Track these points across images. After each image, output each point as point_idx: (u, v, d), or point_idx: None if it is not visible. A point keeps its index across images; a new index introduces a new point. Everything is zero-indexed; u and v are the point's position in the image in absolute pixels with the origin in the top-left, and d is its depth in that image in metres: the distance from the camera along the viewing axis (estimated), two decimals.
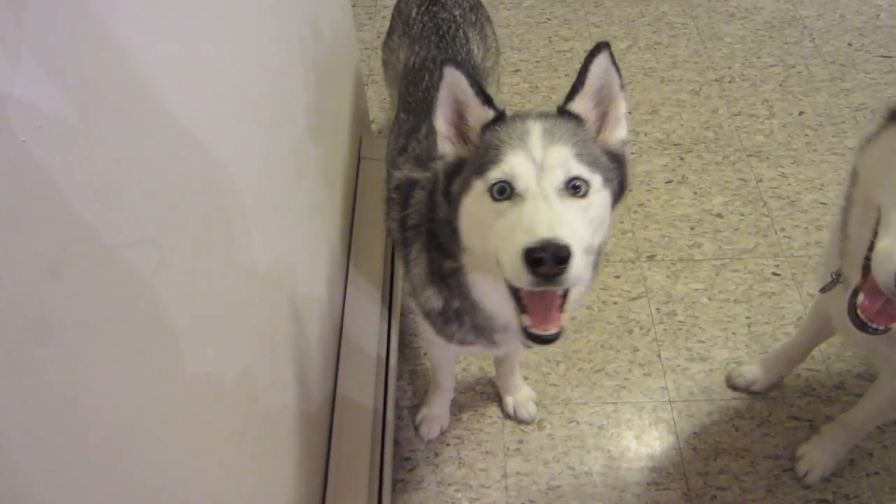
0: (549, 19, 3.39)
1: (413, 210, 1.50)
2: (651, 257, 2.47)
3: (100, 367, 0.73)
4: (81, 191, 0.68)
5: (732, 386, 2.15)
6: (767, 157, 2.75)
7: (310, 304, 1.66)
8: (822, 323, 1.86)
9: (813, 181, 2.67)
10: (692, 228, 2.55)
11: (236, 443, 1.17)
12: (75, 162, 0.67)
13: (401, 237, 1.58)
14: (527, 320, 1.18)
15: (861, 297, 1.25)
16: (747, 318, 2.31)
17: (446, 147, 1.30)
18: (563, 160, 1.14)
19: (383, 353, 2.00)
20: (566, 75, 3.07)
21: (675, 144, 2.83)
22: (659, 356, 2.23)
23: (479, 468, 2.03)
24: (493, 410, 2.14)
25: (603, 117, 1.28)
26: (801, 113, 2.91)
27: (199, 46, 1.00)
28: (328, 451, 1.78)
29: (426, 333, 1.62)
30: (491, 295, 1.31)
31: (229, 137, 1.11)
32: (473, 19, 2.08)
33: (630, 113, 2.94)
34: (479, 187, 1.18)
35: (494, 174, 1.15)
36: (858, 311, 1.25)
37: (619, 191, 1.26)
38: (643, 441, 2.06)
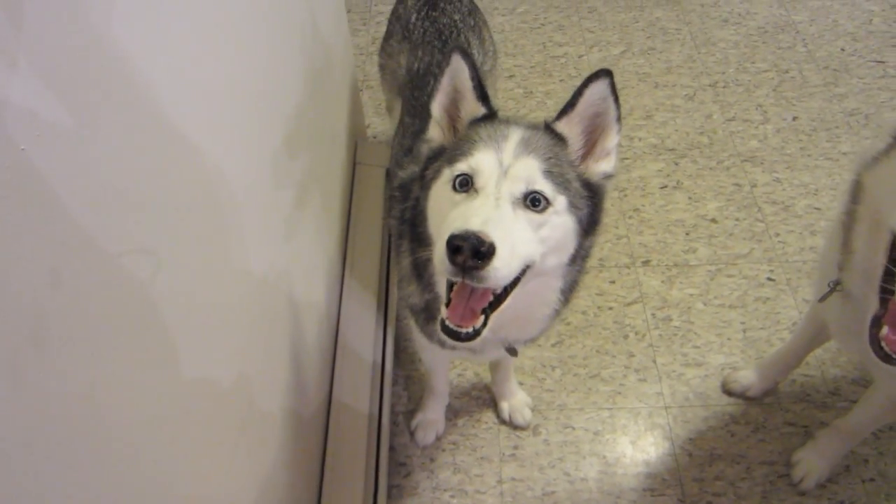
0: (544, 25, 3.40)
1: (411, 203, 1.50)
2: (646, 262, 2.48)
3: (98, 374, 0.73)
4: (80, 199, 0.67)
5: (728, 391, 2.15)
6: (762, 163, 2.76)
7: (305, 310, 1.65)
8: (817, 329, 1.87)
9: (807, 186, 2.67)
10: (687, 234, 2.56)
11: (232, 447, 1.16)
12: (73, 170, 0.67)
13: (398, 230, 1.59)
14: (445, 312, 1.17)
15: (885, 330, 1.23)
16: (742, 323, 2.31)
17: (435, 132, 1.34)
18: (529, 173, 1.15)
19: (379, 359, 1.99)
20: (560, 80, 3.08)
21: (670, 149, 2.83)
22: (654, 361, 2.23)
23: (474, 474, 2.02)
24: (489, 416, 2.14)
25: (591, 145, 1.27)
26: (794, 118, 2.92)
27: (196, 54, 1.00)
28: (324, 456, 1.78)
29: (414, 333, 1.62)
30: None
31: (225, 144, 1.11)
32: (472, 24, 2.10)
33: (624, 118, 2.93)
34: (446, 175, 1.20)
35: (461, 166, 1.17)
36: (883, 344, 1.23)
37: (590, 223, 1.25)
38: (639, 447, 2.06)
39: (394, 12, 2.21)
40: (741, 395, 2.13)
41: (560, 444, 2.07)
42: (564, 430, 2.10)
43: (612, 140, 1.26)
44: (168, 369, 0.90)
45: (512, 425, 2.10)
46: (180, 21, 0.94)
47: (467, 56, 1.26)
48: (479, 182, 1.15)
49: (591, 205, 1.23)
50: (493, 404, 2.14)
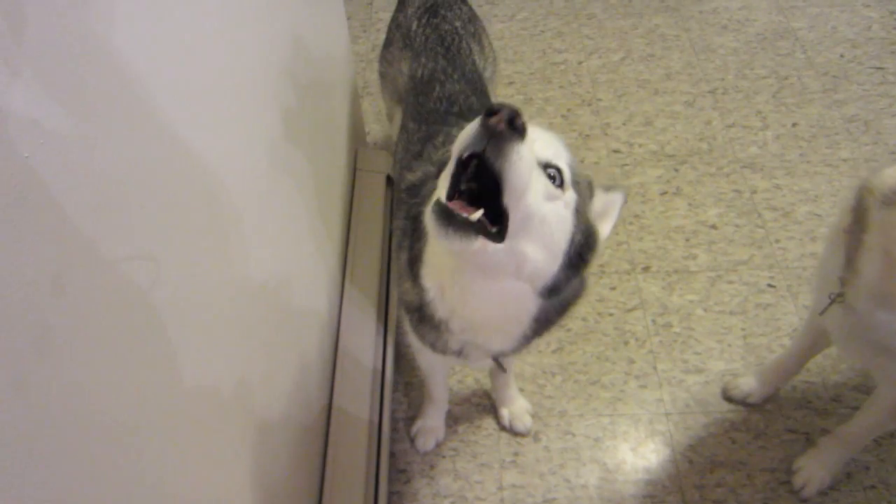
0: (543, 31, 3.41)
1: (417, 201, 1.50)
2: (646, 269, 2.48)
3: (99, 380, 0.73)
4: (82, 206, 0.68)
5: (728, 398, 2.15)
6: (761, 169, 2.77)
7: (306, 316, 1.65)
8: (817, 335, 1.87)
9: (807, 192, 2.68)
10: (687, 240, 2.56)
11: (233, 454, 1.16)
12: (76, 177, 0.67)
13: (401, 228, 1.58)
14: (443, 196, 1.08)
15: None
16: (743, 329, 2.31)
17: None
18: (556, 148, 1.13)
19: (379, 365, 1.99)
20: (560, 87, 3.08)
21: (670, 156, 2.83)
22: (655, 368, 2.23)
23: (474, 480, 2.02)
24: (489, 422, 2.13)
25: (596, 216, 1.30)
26: (794, 124, 2.92)
27: (197, 62, 1.01)
28: (324, 463, 1.77)
29: (409, 336, 1.61)
30: (435, 278, 1.27)
31: (226, 152, 1.11)
32: (472, 30, 2.10)
33: (624, 124, 2.95)
34: None
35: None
36: None
37: (578, 253, 1.18)
38: (639, 453, 2.06)
39: (393, 20, 2.22)
40: (742, 402, 2.13)
41: (560, 450, 2.07)
42: (565, 437, 2.09)
43: (606, 231, 1.29)
44: (169, 376, 0.90)
45: (512, 432, 2.10)
46: (181, 30, 0.95)
47: None
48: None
49: (585, 237, 1.20)
50: (494, 411, 2.14)
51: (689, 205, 2.67)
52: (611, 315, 2.36)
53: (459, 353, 1.45)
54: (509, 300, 1.21)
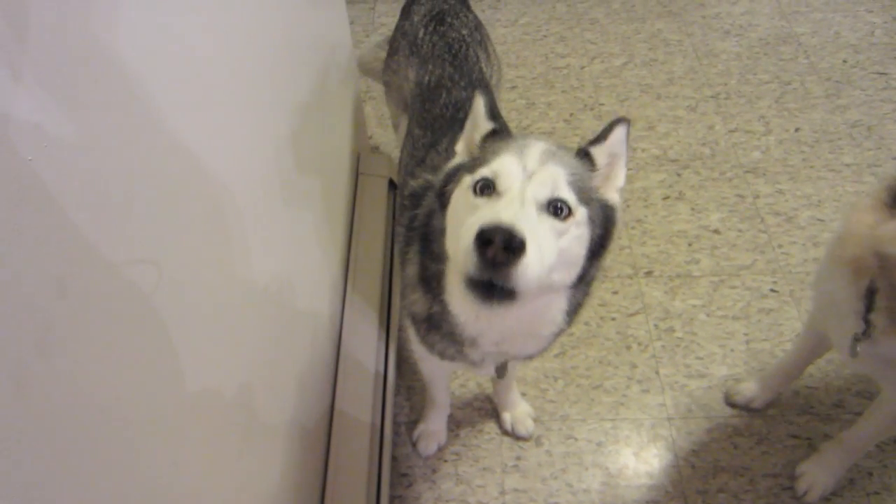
0: (546, 36, 3.41)
1: (421, 211, 1.50)
2: (649, 273, 2.47)
3: (102, 382, 0.73)
4: (85, 209, 0.68)
5: (731, 403, 2.14)
6: (764, 174, 2.76)
7: (308, 320, 1.65)
8: (817, 339, 1.86)
9: (810, 197, 2.67)
10: (690, 244, 2.56)
11: (235, 457, 1.16)
12: (79, 181, 0.67)
13: (405, 236, 1.59)
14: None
15: None
16: (745, 334, 2.31)
17: (460, 147, 1.38)
18: (554, 180, 1.14)
19: (381, 369, 1.99)
20: (563, 91, 3.09)
21: (673, 160, 2.83)
22: (657, 372, 2.22)
23: (476, 485, 2.02)
24: (491, 427, 2.13)
25: (605, 179, 1.30)
26: (797, 129, 2.92)
27: (200, 66, 1.01)
28: (326, 466, 1.77)
29: (414, 345, 1.61)
30: (458, 298, 1.28)
31: (228, 155, 1.11)
32: (479, 38, 2.11)
33: None
34: (466, 182, 1.19)
35: (483, 171, 1.16)
36: None
37: (600, 244, 1.23)
38: (641, 458, 2.06)
39: (398, 29, 2.22)
40: (744, 407, 2.13)
41: (563, 455, 2.06)
42: (567, 441, 2.09)
43: (622, 178, 1.30)
44: (172, 378, 0.90)
45: (514, 436, 2.10)
46: (185, 33, 0.95)
47: (488, 92, 1.30)
48: (503, 185, 1.13)
49: (603, 226, 1.23)
50: (496, 415, 2.14)
51: (692, 209, 2.67)
52: (613, 319, 2.36)
53: (475, 363, 1.45)
54: (543, 309, 1.26)
